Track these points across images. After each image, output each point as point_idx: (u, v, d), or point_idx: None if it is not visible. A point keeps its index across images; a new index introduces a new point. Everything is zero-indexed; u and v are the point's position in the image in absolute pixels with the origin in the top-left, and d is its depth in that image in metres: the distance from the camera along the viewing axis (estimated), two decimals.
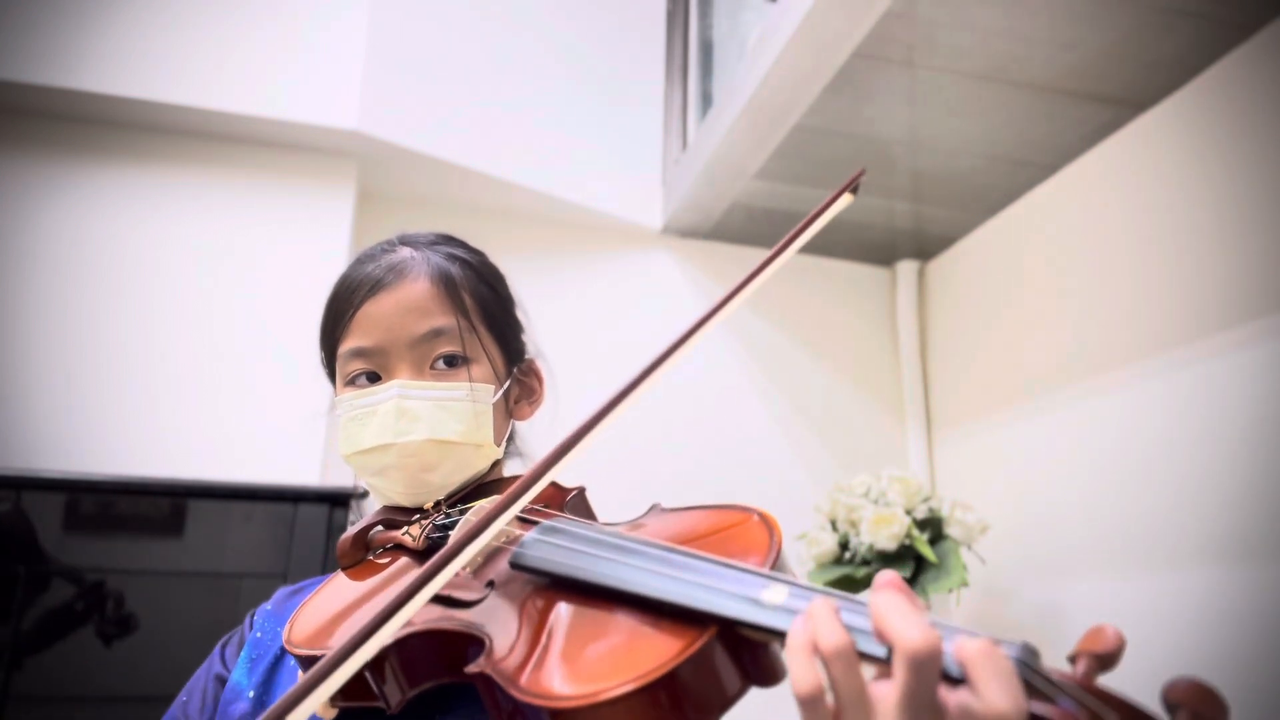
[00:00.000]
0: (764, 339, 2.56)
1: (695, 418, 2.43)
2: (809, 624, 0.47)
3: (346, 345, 0.81)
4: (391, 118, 2.17)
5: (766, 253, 0.64)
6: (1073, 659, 0.44)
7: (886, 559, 1.93)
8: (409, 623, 0.62)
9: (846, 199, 0.57)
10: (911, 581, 1.90)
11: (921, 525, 1.97)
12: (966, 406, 2.37)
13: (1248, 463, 1.57)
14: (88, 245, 1.97)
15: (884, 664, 0.45)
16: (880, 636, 0.45)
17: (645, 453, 2.28)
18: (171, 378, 1.94)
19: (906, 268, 2.63)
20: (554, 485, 0.76)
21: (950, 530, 1.95)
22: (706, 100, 2.65)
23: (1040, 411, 2.09)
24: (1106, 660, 0.43)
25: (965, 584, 1.85)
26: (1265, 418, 1.55)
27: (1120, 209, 1.93)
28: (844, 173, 2.23)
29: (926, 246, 2.56)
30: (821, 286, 2.65)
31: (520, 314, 0.91)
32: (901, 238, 2.54)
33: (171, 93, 2.00)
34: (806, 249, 2.60)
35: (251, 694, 0.76)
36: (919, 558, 1.93)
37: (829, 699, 0.46)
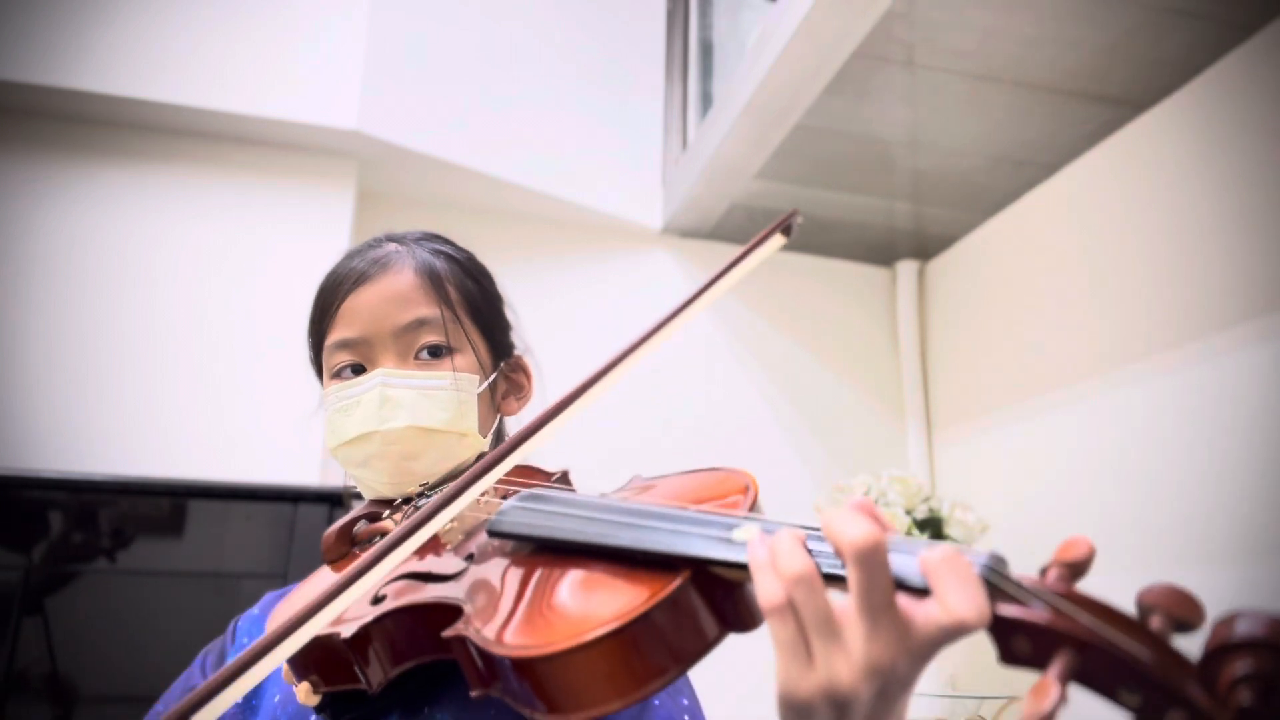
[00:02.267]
0: (764, 338, 2.55)
1: (695, 417, 2.43)
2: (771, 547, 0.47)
3: (332, 338, 0.81)
4: (391, 118, 2.17)
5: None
6: (1044, 570, 0.44)
7: None
8: (386, 597, 0.62)
9: (779, 239, 0.57)
10: None
11: (921, 525, 1.97)
12: (966, 406, 2.37)
13: (1249, 461, 1.56)
14: (88, 245, 1.97)
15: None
16: (833, 547, 0.45)
17: (643, 452, 2.28)
18: (171, 378, 1.94)
19: (906, 268, 2.62)
20: (538, 471, 0.75)
21: (950, 530, 1.94)
22: (706, 100, 2.65)
23: (1040, 411, 2.09)
24: (1077, 568, 0.43)
25: None
26: (1265, 417, 1.54)
27: (1120, 209, 1.93)
28: (844, 173, 2.24)
29: (926, 246, 2.56)
30: (821, 286, 2.65)
31: (509, 312, 0.90)
32: (901, 238, 2.53)
33: (171, 93, 2.00)
34: (807, 249, 2.62)
35: (240, 698, 0.76)
36: None
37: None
